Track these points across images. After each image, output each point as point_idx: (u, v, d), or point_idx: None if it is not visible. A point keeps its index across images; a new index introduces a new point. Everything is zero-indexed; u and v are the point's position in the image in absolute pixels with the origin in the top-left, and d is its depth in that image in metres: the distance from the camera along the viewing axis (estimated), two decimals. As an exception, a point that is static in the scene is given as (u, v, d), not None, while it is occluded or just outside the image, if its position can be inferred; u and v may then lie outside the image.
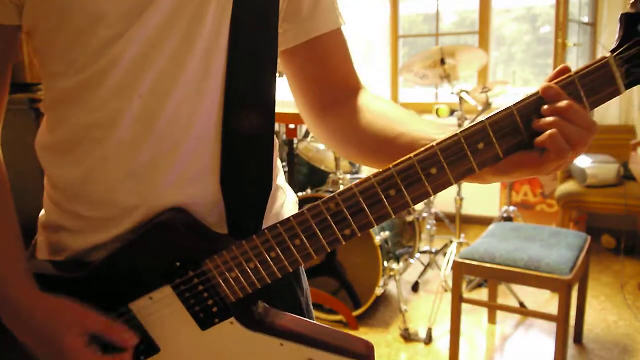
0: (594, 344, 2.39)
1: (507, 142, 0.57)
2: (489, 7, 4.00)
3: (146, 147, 0.65)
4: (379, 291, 2.53)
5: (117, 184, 0.66)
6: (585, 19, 3.71)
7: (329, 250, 0.63)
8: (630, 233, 3.25)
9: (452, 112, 3.46)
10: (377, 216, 0.60)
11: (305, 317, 0.82)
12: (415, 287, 2.98)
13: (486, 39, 4.03)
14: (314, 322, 0.72)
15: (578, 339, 2.40)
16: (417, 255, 2.98)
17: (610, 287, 2.94)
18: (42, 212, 0.77)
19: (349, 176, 2.81)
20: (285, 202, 0.80)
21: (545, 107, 0.56)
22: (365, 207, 0.60)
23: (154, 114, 0.65)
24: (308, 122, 0.82)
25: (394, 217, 0.61)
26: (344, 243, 0.62)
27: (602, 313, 2.66)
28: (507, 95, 3.13)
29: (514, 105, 0.56)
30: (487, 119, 0.57)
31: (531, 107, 0.56)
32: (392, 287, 2.89)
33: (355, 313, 2.58)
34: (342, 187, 2.66)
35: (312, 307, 0.88)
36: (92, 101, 0.64)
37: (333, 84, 0.78)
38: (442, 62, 3.04)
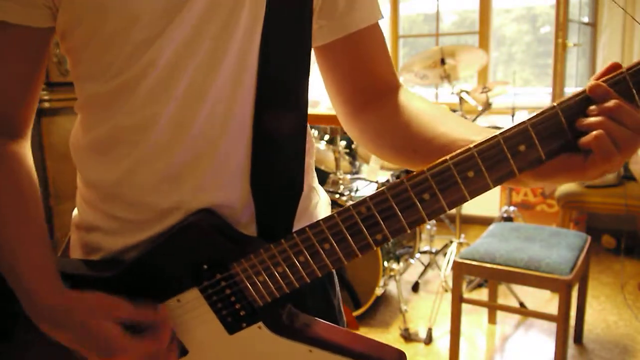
0: (594, 344, 2.39)
1: (549, 144, 0.53)
2: (489, 7, 4.00)
3: (182, 150, 0.65)
4: (379, 291, 2.53)
5: (153, 186, 0.66)
6: (585, 19, 3.71)
7: (360, 256, 0.61)
8: (630, 233, 3.25)
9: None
10: (410, 221, 0.58)
11: (340, 321, 0.82)
12: (415, 287, 2.98)
13: (486, 39, 4.03)
14: (345, 329, 0.71)
15: (578, 339, 2.40)
16: (417, 255, 2.98)
17: (610, 287, 2.94)
18: (75, 211, 0.77)
19: (349, 176, 2.81)
20: (319, 203, 0.80)
21: (592, 107, 0.52)
22: (398, 212, 0.57)
23: (190, 116, 0.64)
24: (343, 120, 0.80)
25: (427, 222, 0.58)
26: (375, 248, 0.60)
27: (602, 313, 2.66)
28: (507, 95, 3.13)
29: (559, 104, 0.53)
30: (528, 119, 0.53)
31: (576, 107, 0.53)
32: (392, 287, 2.89)
33: (355, 313, 2.58)
34: (342, 187, 2.67)
35: (342, 310, 0.86)
36: (127, 105, 0.64)
37: (369, 81, 0.76)
38: (442, 62, 3.04)
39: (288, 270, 0.63)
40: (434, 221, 3.15)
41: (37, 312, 0.64)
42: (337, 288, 0.84)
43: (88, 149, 0.70)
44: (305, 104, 0.70)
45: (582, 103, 0.53)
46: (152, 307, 0.65)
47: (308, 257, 0.62)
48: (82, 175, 0.72)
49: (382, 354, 0.66)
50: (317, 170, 3.22)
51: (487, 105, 2.95)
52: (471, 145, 0.55)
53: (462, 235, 3.07)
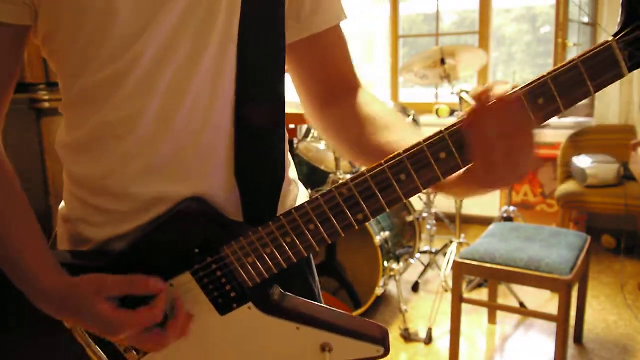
0: (594, 344, 2.39)
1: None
2: (489, 7, 4.00)
3: (165, 143, 0.67)
4: (379, 291, 2.53)
5: (138, 178, 0.68)
6: (585, 19, 3.71)
7: (343, 235, 0.65)
8: (630, 233, 3.25)
9: (452, 112, 3.46)
10: (388, 200, 0.62)
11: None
12: (415, 287, 2.98)
13: (486, 39, 4.03)
14: (330, 307, 0.74)
15: (578, 339, 2.40)
16: (417, 255, 2.98)
17: (610, 287, 2.94)
18: (62, 204, 0.79)
19: (348, 176, 2.80)
20: (298, 195, 0.83)
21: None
22: (377, 192, 0.62)
23: (173, 110, 0.67)
24: (308, 115, 0.84)
25: (405, 201, 0.63)
26: (357, 227, 0.64)
27: (602, 313, 2.66)
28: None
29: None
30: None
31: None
32: (392, 287, 2.89)
33: (355, 313, 2.58)
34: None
35: (322, 299, 0.90)
36: (113, 100, 0.66)
37: (331, 79, 0.80)
38: (442, 62, 3.04)
39: (276, 251, 0.66)
40: (433, 221, 3.15)
41: (42, 297, 0.66)
42: (316, 276, 0.88)
43: (73, 146, 0.72)
44: (282, 96, 0.73)
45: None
46: (142, 278, 0.66)
47: (294, 237, 0.65)
48: (69, 171, 0.74)
49: (366, 330, 0.71)
50: (317, 170, 3.23)
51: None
52: (442, 129, 0.59)
53: (462, 235, 3.07)
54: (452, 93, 3.07)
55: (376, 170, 0.61)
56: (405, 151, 0.60)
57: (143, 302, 0.66)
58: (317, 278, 0.88)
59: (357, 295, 2.60)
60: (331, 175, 2.76)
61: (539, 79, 0.57)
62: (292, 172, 0.83)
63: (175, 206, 0.69)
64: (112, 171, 0.69)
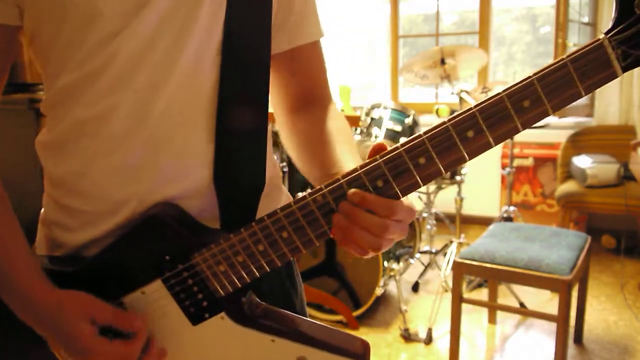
0: (594, 344, 2.39)
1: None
2: (489, 7, 4.00)
3: (138, 142, 0.66)
4: (379, 291, 2.53)
5: (108, 178, 0.67)
6: (585, 19, 3.70)
7: (317, 244, 0.62)
8: (630, 233, 3.25)
9: (452, 112, 3.45)
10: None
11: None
12: (415, 287, 2.98)
13: (486, 39, 4.03)
14: (308, 319, 0.71)
15: (578, 339, 2.40)
16: (417, 255, 2.98)
17: (610, 287, 2.94)
18: (43, 209, 0.78)
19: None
20: (282, 201, 0.81)
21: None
22: (371, 188, 0.59)
23: (146, 108, 0.66)
24: (277, 120, 0.85)
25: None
26: (331, 236, 0.62)
27: (602, 313, 2.66)
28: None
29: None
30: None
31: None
32: (392, 287, 2.88)
33: (355, 313, 2.58)
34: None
35: (306, 309, 0.87)
36: (87, 97, 0.66)
37: (304, 90, 0.82)
38: (442, 62, 3.04)
39: (248, 260, 0.64)
40: (433, 221, 3.15)
41: (28, 309, 0.65)
42: (300, 287, 0.86)
43: (50, 145, 0.71)
44: (266, 100, 0.73)
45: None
46: (131, 315, 0.66)
47: (267, 245, 0.63)
48: (46, 171, 0.74)
49: (345, 343, 0.67)
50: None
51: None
52: (422, 133, 0.58)
53: (462, 235, 3.07)
54: (452, 93, 3.07)
55: (352, 176, 0.60)
56: (381, 156, 0.59)
57: (118, 333, 0.65)
58: (300, 291, 0.85)
59: (357, 295, 2.60)
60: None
61: (525, 79, 0.55)
62: (277, 178, 0.82)
63: (146, 210, 0.67)
64: (83, 170, 0.68)
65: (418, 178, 0.59)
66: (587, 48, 0.52)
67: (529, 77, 0.54)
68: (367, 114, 2.95)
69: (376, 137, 2.85)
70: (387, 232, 0.59)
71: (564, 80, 0.53)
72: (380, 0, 4.30)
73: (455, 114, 0.57)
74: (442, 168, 0.58)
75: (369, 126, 2.90)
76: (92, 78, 0.65)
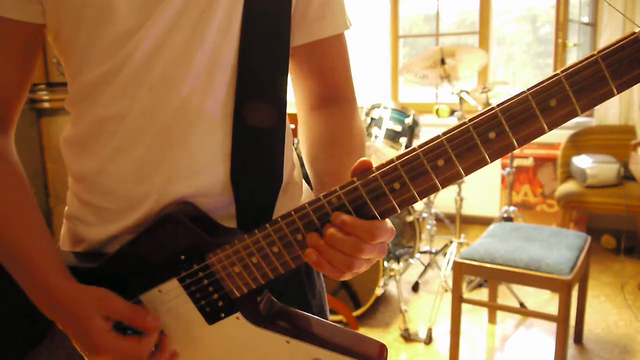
0: (594, 344, 2.39)
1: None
2: (489, 7, 4.00)
3: (154, 139, 0.67)
4: (379, 291, 2.53)
5: (126, 175, 0.68)
6: (585, 19, 3.70)
7: None
8: (630, 233, 3.25)
9: (452, 112, 3.46)
10: (380, 210, 0.59)
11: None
12: (415, 287, 2.98)
13: (486, 39, 4.03)
14: (325, 320, 0.70)
15: (578, 339, 2.40)
16: (417, 255, 2.98)
17: (610, 287, 2.94)
18: (67, 205, 0.79)
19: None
20: (302, 198, 0.80)
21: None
22: (368, 201, 0.58)
23: (162, 105, 0.66)
24: (299, 117, 0.82)
25: (398, 211, 0.59)
26: None
27: (602, 313, 2.66)
28: (507, 96, 3.13)
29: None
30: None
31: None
32: (392, 287, 2.89)
33: (355, 313, 2.58)
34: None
35: (326, 311, 0.86)
36: (106, 95, 0.66)
37: (326, 86, 0.79)
38: (442, 62, 3.04)
39: (262, 261, 0.63)
40: (433, 221, 3.15)
41: (43, 295, 0.65)
42: (319, 286, 0.84)
43: (73, 141, 0.72)
44: (284, 97, 0.72)
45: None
46: (146, 313, 0.66)
47: (281, 247, 0.62)
48: (69, 167, 0.75)
49: (362, 347, 0.66)
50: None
51: (487, 106, 2.95)
52: (441, 134, 0.55)
53: (462, 235, 3.07)
54: (452, 93, 3.08)
55: (367, 178, 0.58)
56: (398, 157, 0.57)
57: (131, 329, 0.65)
58: (319, 290, 0.84)
59: (357, 295, 2.60)
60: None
61: (551, 77, 0.51)
62: (296, 174, 0.80)
63: (163, 209, 0.67)
64: (102, 167, 0.69)
65: (436, 181, 0.56)
66: (621, 43, 0.48)
67: (556, 74, 0.50)
68: (367, 114, 2.96)
69: (376, 137, 2.85)
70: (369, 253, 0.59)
71: (595, 78, 0.49)
72: (380, 0, 4.30)
73: (475, 115, 0.55)
74: (462, 171, 0.55)
75: (369, 126, 2.90)
76: (109, 77, 0.65)
